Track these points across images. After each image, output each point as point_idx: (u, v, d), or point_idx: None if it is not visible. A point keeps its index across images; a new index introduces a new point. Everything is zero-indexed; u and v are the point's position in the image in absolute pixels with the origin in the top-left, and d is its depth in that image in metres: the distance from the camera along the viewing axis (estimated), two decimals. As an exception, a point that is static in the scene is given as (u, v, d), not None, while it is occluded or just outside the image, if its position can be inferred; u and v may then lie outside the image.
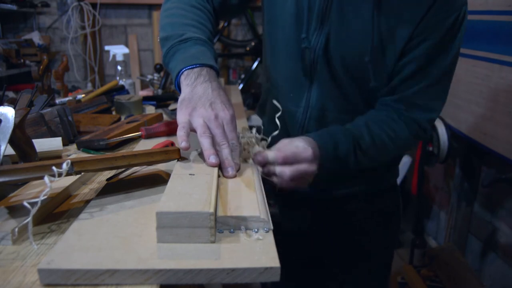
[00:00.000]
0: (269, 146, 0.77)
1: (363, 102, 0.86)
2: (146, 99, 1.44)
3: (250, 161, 0.72)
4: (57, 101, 1.28)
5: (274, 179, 0.73)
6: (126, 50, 2.08)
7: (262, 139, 0.78)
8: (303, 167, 0.72)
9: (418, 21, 0.74)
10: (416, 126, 0.82)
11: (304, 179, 0.74)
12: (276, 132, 0.79)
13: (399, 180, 2.49)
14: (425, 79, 0.79)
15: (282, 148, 0.72)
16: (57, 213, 0.61)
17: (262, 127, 0.80)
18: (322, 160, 0.74)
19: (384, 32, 0.77)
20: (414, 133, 0.82)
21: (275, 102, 0.81)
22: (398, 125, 0.81)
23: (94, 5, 3.20)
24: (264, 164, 0.71)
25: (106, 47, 2.40)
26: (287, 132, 0.82)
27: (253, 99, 3.19)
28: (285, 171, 0.71)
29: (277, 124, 0.82)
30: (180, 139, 0.66)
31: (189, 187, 0.56)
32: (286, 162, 0.71)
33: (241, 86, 3.24)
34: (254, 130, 0.78)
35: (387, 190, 1.01)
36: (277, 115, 0.80)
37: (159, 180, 0.69)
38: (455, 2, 0.75)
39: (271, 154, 0.71)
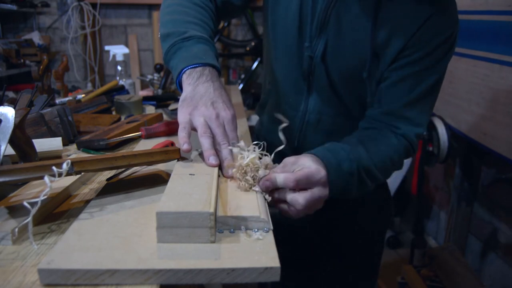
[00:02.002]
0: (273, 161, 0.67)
1: (358, 107, 0.87)
2: (146, 99, 1.43)
3: (256, 188, 0.61)
4: (57, 101, 1.28)
5: (285, 208, 0.64)
6: (126, 50, 2.08)
7: (264, 155, 0.66)
8: (317, 192, 0.63)
9: (412, 35, 0.76)
10: (407, 142, 0.80)
11: (316, 206, 0.65)
12: (281, 147, 0.68)
13: (399, 180, 2.50)
14: (412, 92, 0.79)
15: (290, 168, 0.64)
16: (57, 213, 0.61)
17: (265, 143, 0.66)
18: (330, 180, 0.66)
19: (379, 47, 0.78)
20: (406, 151, 0.81)
21: (280, 117, 0.74)
22: (392, 142, 0.79)
23: (94, 5, 3.20)
24: (273, 189, 0.62)
25: (106, 47, 2.40)
26: (285, 136, 0.82)
27: (253, 99, 3.19)
28: (297, 198, 0.61)
29: (277, 122, 0.82)
30: (182, 141, 0.66)
31: (189, 187, 0.56)
32: (298, 186, 0.62)
33: (241, 86, 3.24)
34: (256, 149, 0.65)
35: (376, 186, 1.03)
36: (281, 127, 0.71)
37: (159, 180, 0.69)
38: (449, 20, 0.77)
39: (280, 177, 0.61)
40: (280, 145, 0.69)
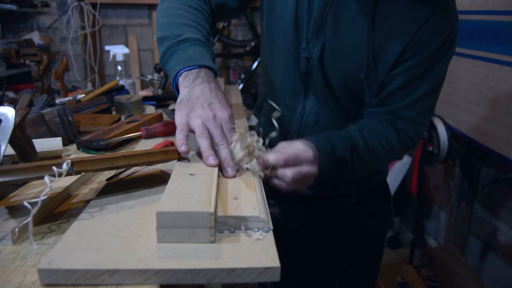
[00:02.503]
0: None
1: (357, 109, 0.87)
2: (146, 99, 1.44)
3: (251, 164, 0.69)
4: (57, 101, 1.28)
5: (276, 182, 0.71)
6: (126, 50, 2.08)
7: (259, 141, 0.74)
8: (304, 168, 0.70)
9: (411, 37, 0.76)
10: (406, 137, 0.83)
11: (306, 181, 0.72)
12: (274, 134, 0.76)
13: (399, 180, 2.50)
14: (413, 94, 0.80)
15: (282, 150, 0.71)
16: (57, 213, 0.61)
17: (260, 128, 0.75)
18: (320, 162, 0.73)
19: (377, 47, 0.78)
20: (404, 144, 0.84)
21: (272, 104, 0.79)
22: (391, 135, 0.82)
23: (94, 5, 3.20)
24: (265, 167, 0.69)
25: (106, 47, 2.40)
26: (283, 137, 0.82)
27: (253, 99, 3.20)
28: (286, 173, 0.69)
29: (274, 126, 0.81)
30: (180, 142, 0.66)
31: (189, 187, 0.56)
32: (288, 164, 0.69)
33: (241, 86, 3.24)
34: (254, 134, 0.73)
35: (377, 188, 1.04)
36: (276, 115, 0.77)
37: (159, 180, 0.69)
38: (448, 20, 0.76)
39: (271, 156, 0.68)
40: (277, 141, 0.74)
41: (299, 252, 1.07)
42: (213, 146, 0.68)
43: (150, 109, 1.38)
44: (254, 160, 0.69)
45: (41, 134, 0.89)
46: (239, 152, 0.69)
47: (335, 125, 0.88)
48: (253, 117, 2.82)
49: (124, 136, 0.94)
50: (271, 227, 0.53)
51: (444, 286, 1.82)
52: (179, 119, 0.69)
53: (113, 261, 0.45)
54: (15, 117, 0.61)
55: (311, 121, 0.90)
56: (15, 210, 0.57)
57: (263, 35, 0.94)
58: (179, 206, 0.50)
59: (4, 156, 0.66)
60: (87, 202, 0.62)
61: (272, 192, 0.98)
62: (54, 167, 0.51)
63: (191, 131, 0.69)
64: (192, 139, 0.68)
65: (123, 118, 1.19)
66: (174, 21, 0.83)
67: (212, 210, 0.49)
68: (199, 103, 0.69)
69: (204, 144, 0.66)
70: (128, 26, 3.37)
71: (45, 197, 0.49)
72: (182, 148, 0.65)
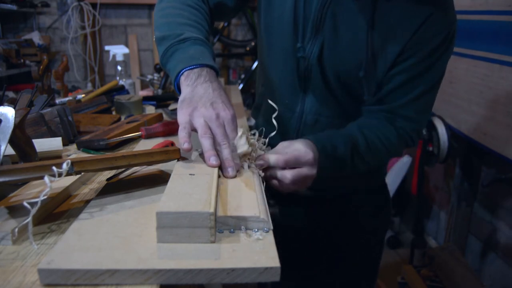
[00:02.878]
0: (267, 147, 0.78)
1: (356, 108, 0.88)
2: (146, 99, 1.44)
3: (252, 165, 0.71)
4: (57, 101, 1.28)
5: (275, 183, 0.73)
6: (126, 50, 2.08)
7: (259, 140, 0.78)
8: (304, 170, 0.72)
9: (410, 37, 0.77)
10: (405, 134, 0.84)
11: (304, 183, 0.74)
12: (273, 133, 0.79)
13: (399, 180, 2.50)
14: (411, 93, 0.81)
15: (283, 151, 0.72)
16: (57, 213, 0.61)
17: (263, 129, 0.79)
18: (320, 163, 0.74)
19: (376, 47, 0.79)
20: (403, 142, 0.85)
21: (270, 102, 0.82)
22: (390, 133, 0.83)
23: (94, 5, 3.20)
24: (266, 167, 0.71)
25: (106, 47, 2.40)
26: (283, 137, 0.82)
27: (253, 99, 3.19)
28: (286, 175, 0.71)
29: (273, 125, 0.82)
30: (182, 140, 0.66)
31: (189, 187, 0.56)
32: (288, 165, 0.71)
33: (241, 86, 3.24)
34: (256, 133, 0.77)
35: (377, 188, 1.05)
36: (274, 115, 0.80)
37: (159, 180, 0.69)
38: (446, 20, 0.77)
39: (272, 157, 0.70)
40: (275, 140, 0.78)
41: (299, 252, 1.07)
42: (215, 146, 0.68)
43: (150, 109, 1.38)
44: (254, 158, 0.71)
45: (41, 134, 0.89)
46: (243, 146, 0.69)
47: (334, 124, 0.88)
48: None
49: (124, 136, 0.94)
50: (271, 227, 0.53)
51: (444, 286, 1.82)
52: (182, 118, 0.69)
53: (113, 261, 0.45)
54: (15, 117, 0.61)
55: (310, 120, 0.90)
56: (15, 210, 0.57)
57: (261, 35, 0.94)
58: (179, 206, 0.50)
59: (4, 156, 0.66)
60: (87, 202, 0.62)
61: (272, 193, 0.98)
62: (54, 167, 0.51)
63: (194, 130, 0.69)
64: (193, 138, 0.68)
65: (123, 118, 1.19)
66: (173, 21, 0.83)
67: (212, 210, 0.49)
68: (202, 102, 0.69)
69: (206, 144, 0.66)
70: (128, 26, 3.38)
71: (45, 197, 0.48)
72: (184, 145, 0.65)
